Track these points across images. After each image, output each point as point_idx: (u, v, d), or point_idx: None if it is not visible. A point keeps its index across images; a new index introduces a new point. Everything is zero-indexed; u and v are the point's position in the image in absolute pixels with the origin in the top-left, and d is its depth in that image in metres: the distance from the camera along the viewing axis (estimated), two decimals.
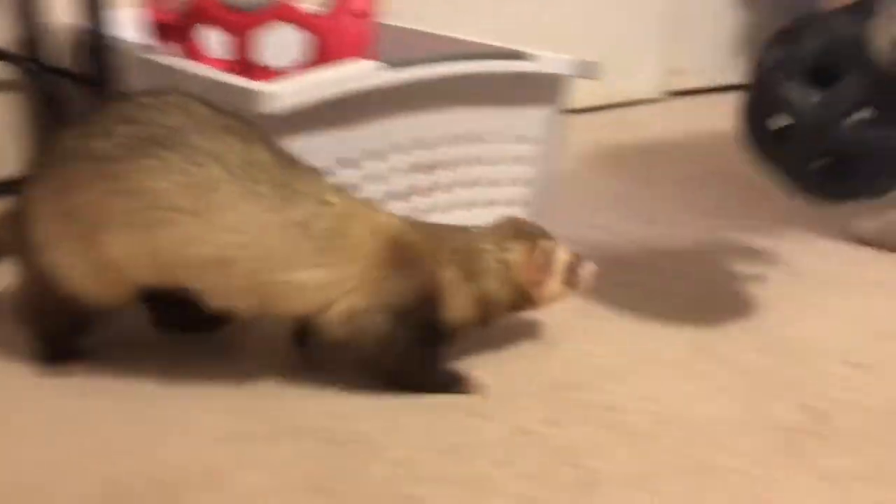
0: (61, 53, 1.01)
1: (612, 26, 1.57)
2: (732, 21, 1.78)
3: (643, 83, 1.68)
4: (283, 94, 0.67)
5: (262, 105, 0.66)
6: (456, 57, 0.76)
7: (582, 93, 1.55)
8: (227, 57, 0.81)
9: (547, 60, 0.83)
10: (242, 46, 0.79)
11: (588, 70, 0.87)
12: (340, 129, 0.73)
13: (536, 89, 0.86)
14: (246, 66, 0.80)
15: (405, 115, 0.77)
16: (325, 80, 0.69)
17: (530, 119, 0.87)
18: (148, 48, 0.82)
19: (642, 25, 1.62)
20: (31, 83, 0.96)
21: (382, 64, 0.71)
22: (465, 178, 0.85)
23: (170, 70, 0.77)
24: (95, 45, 0.78)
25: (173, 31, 0.81)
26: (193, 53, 0.80)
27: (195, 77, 0.74)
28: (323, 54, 0.80)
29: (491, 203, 0.89)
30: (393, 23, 1.03)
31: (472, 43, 0.99)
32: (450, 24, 0.98)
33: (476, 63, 0.78)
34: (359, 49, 0.84)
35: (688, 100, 1.75)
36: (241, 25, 0.77)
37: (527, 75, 0.83)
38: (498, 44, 0.93)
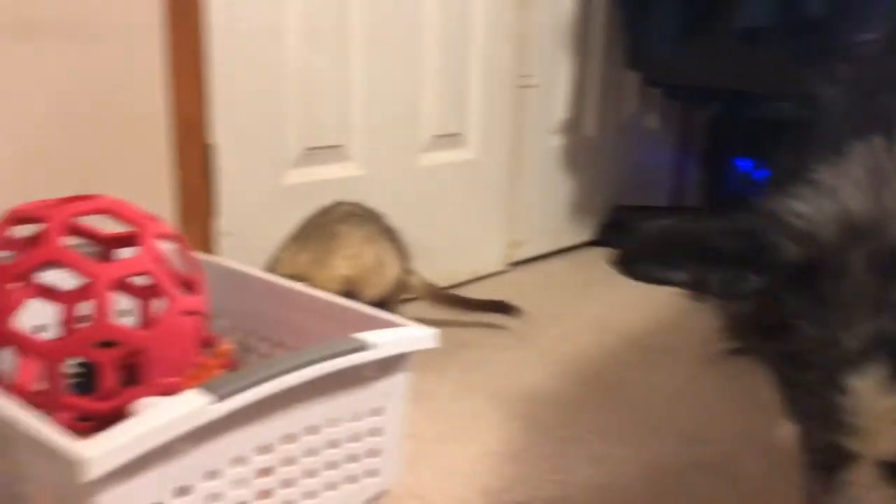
0: None
1: (459, 209, 1.61)
2: (563, 190, 1.87)
3: (488, 258, 1.72)
4: (103, 457, 0.60)
5: (81, 474, 0.59)
6: (288, 368, 0.72)
7: (437, 275, 1.60)
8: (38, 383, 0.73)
9: (386, 344, 0.81)
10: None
11: (426, 341, 0.86)
12: (169, 463, 0.66)
13: (386, 367, 0.84)
14: (56, 397, 0.72)
15: (245, 428, 0.72)
16: (151, 430, 0.63)
17: (383, 391, 0.85)
18: None
19: (485, 205, 1.67)
20: None
21: (209, 395, 0.66)
22: (323, 463, 0.81)
23: None
24: None
25: None
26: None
27: (2, 419, 0.66)
28: (145, 369, 0.74)
29: (351, 479, 0.85)
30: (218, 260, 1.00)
31: (305, 297, 0.97)
32: None
33: (314, 368, 0.74)
34: (182, 363, 0.79)
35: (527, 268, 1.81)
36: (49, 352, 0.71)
37: (374, 361, 0.80)
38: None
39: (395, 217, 1.48)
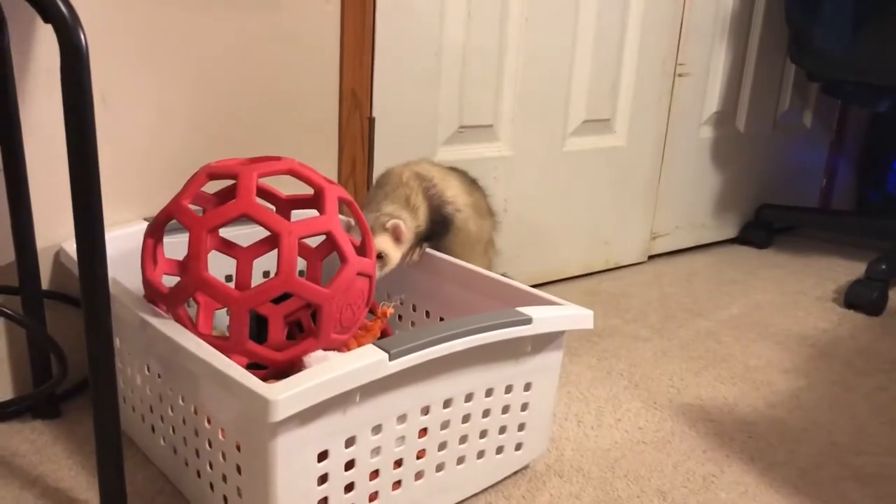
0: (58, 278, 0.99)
1: (602, 196, 1.59)
2: (708, 184, 1.82)
3: (629, 248, 1.70)
4: (289, 400, 0.64)
5: (268, 414, 0.63)
6: (459, 333, 0.74)
7: (570, 263, 1.60)
8: (218, 333, 0.78)
9: (547, 320, 0.82)
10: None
11: (584, 321, 0.87)
12: (342, 413, 0.70)
13: (541, 343, 0.85)
14: (237, 342, 0.77)
15: (411, 387, 0.75)
16: (331, 380, 0.66)
17: (535, 367, 0.85)
18: (145, 307, 0.79)
19: (629, 193, 1.65)
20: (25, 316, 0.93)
21: (385, 352, 0.69)
22: (475, 431, 0.83)
23: (170, 343, 0.74)
24: (89, 275, 0.69)
25: (167, 296, 0.78)
26: (186, 325, 0.78)
27: (197, 359, 0.71)
28: (321, 325, 0.78)
29: (499, 450, 0.87)
30: None
31: (464, 271, 0.99)
32: None
33: (480, 336, 0.76)
34: (356, 318, 0.82)
35: (668, 260, 1.78)
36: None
37: (532, 336, 0.81)
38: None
39: (540, 199, 1.48)
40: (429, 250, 1.04)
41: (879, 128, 2.11)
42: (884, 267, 1.53)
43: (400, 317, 1.10)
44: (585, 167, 1.56)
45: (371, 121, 1.23)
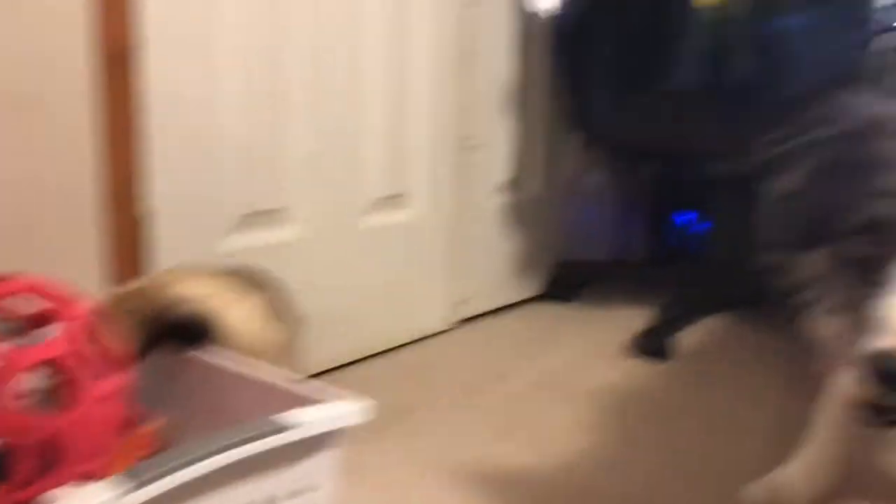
0: None
1: (403, 269, 1.60)
2: (508, 246, 1.88)
3: (434, 317, 1.71)
4: None
5: None
6: (205, 454, 0.70)
7: (374, 340, 1.59)
8: None
9: (311, 424, 0.79)
10: None
11: (354, 417, 0.84)
12: None
13: (311, 446, 0.81)
14: None
15: None
16: None
17: (309, 470, 0.82)
18: None
19: (429, 264, 1.67)
20: None
21: (125, 484, 0.63)
22: None
23: None
24: None
25: None
26: None
27: None
28: (61, 456, 0.71)
29: None
30: None
31: (235, 375, 0.95)
32: None
33: (233, 453, 0.72)
34: (100, 448, 0.76)
35: (474, 325, 1.81)
36: None
37: (297, 441, 0.78)
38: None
39: (338, 278, 1.47)
40: (203, 352, 0.99)
41: (661, 185, 2.27)
42: (667, 315, 1.63)
43: (172, 428, 1.03)
44: (383, 243, 1.56)
45: (142, 217, 1.17)
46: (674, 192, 2.28)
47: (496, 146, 1.80)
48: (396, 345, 1.63)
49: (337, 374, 1.48)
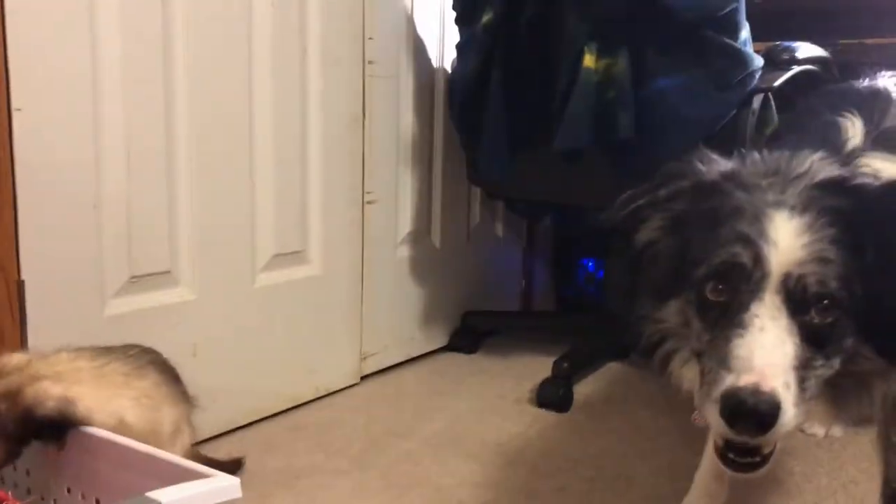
0: None
1: (304, 327, 1.59)
2: (412, 298, 1.89)
3: (339, 373, 1.70)
4: None
5: None
6: None
7: (275, 399, 1.56)
8: None
9: (182, 500, 0.77)
10: None
11: (227, 492, 0.83)
12: None
13: None
14: None
15: None
16: None
17: None
18: None
19: (332, 319, 1.66)
20: None
21: None
22: None
23: None
24: None
25: None
26: None
27: None
28: None
29: None
30: None
31: (114, 447, 0.93)
32: None
33: None
34: None
35: (379, 379, 1.80)
36: None
37: None
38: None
39: (233, 338, 1.45)
40: (85, 428, 0.96)
41: (564, 231, 2.33)
42: (566, 365, 1.66)
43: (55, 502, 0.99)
44: (281, 300, 1.55)
45: (20, 284, 1.13)
46: (576, 240, 2.34)
47: (396, 200, 1.82)
48: (300, 402, 1.61)
49: (236, 434, 1.46)
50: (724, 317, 0.75)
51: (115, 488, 0.92)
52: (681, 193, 0.84)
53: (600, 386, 1.78)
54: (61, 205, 1.17)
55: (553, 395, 1.62)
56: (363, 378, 1.78)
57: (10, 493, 0.89)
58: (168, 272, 1.34)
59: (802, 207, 0.74)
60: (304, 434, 1.48)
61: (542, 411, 1.62)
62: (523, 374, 1.85)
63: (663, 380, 0.93)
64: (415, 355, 1.95)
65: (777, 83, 1.53)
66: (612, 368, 1.90)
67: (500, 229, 2.19)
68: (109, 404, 0.97)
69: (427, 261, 1.93)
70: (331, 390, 1.69)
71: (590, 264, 2.37)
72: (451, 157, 1.94)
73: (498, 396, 1.71)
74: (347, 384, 1.73)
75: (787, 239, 0.73)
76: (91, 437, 0.95)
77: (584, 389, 1.74)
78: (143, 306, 1.31)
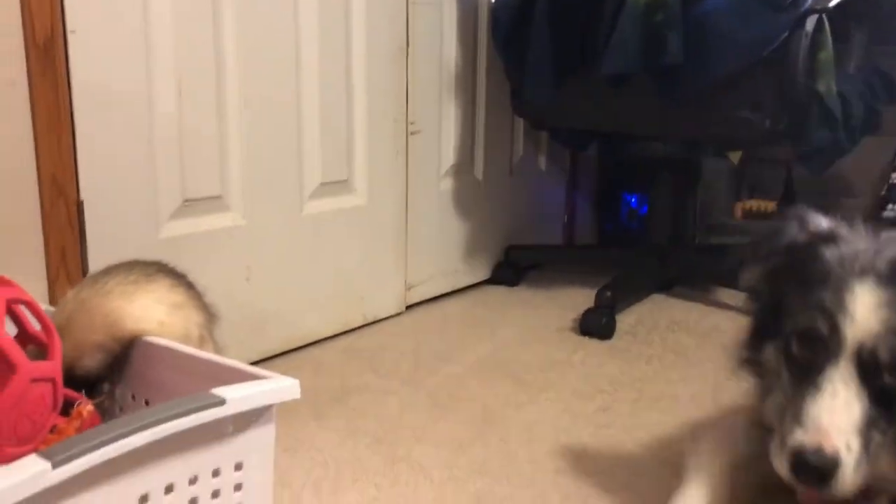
0: None
1: (350, 255, 1.62)
2: (456, 231, 1.91)
3: (384, 302, 1.74)
4: None
5: None
6: (130, 430, 0.71)
7: (324, 324, 1.61)
8: None
9: (245, 398, 0.81)
10: None
11: (288, 392, 0.87)
12: None
13: (246, 421, 0.84)
14: None
15: (92, 490, 0.71)
16: None
17: (244, 445, 0.84)
18: None
19: (377, 249, 1.69)
20: None
21: (46, 461, 0.65)
22: None
23: None
24: None
25: None
26: None
27: None
28: None
29: None
30: None
31: (168, 351, 0.97)
32: None
33: (164, 427, 0.73)
34: (34, 429, 0.77)
35: (423, 309, 1.83)
36: None
37: (232, 416, 0.80)
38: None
39: (283, 264, 1.49)
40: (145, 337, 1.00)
41: (608, 164, 2.32)
42: (609, 294, 1.68)
43: (121, 408, 1.04)
44: (328, 229, 1.58)
45: (79, 205, 1.18)
46: (621, 174, 2.33)
47: (439, 132, 1.82)
48: (348, 328, 1.65)
49: (289, 356, 1.51)
50: (806, 374, 0.81)
51: (176, 393, 0.96)
52: (776, 251, 0.89)
53: (643, 315, 1.79)
54: (117, 128, 1.21)
55: (596, 323, 1.64)
56: (408, 307, 1.82)
57: (82, 392, 0.94)
58: (219, 197, 1.38)
59: (887, 279, 0.78)
60: (354, 357, 1.53)
61: (586, 339, 1.64)
62: (566, 305, 1.87)
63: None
64: (458, 287, 1.97)
65: (832, 4, 1.49)
66: (655, 300, 1.91)
67: (542, 163, 2.19)
68: (142, 310, 0.99)
69: (470, 194, 1.94)
70: (378, 318, 1.73)
71: (632, 199, 2.36)
72: (495, 89, 1.93)
73: (541, 326, 1.73)
74: (393, 313, 1.77)
75: (864, 311, 0.77)
76: (149, 345, 1.00)
77: (627, 318, 1.76)
78: (197, 230, 1.34)
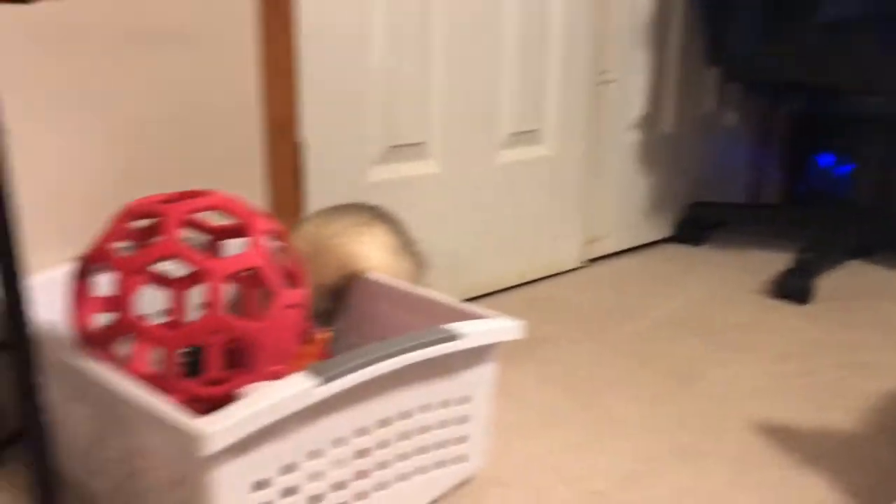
0: None
1: (536, 206, 1.63)
2: (640, 186, 1.88)
3: (566, 255, 1.74)
4: (221, 433, 0.65)
5: (202, 448, 0.64)
6: (385, 355, 0.76)
7: (507, 273, 1.64)
8: (153, 367, 0.79)
9: (475, 335, 0.85)
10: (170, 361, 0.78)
11: (512, 332, 0.90)
12: (277, 441, 0.71)
13: (473, 357, 0.88)
14: (171, 380, 0.78)
15: (344, 410, 0.77)
16: (262, 410, 0.68)
17: (469, 380, 0.88)
18: (75, 350, 0.79)
19: (562, 201, 1.69)
20: None
21: (315, 378, 0.71)
22: (414, 448, 0.85)
23: (102, 384, 0.75)
24: (16, 320, 0.67)
25: (96, 338, 0.79)
26: (118, 365, 0.78)
27: (128, 400, 0.72)
28: (253, 358, 0.80)
29: (440, 465, 0.89)
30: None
31: (393, 290, 1.02)
32: None
33: (408, 356, 0.78)
34: (286, 352, 0.84)
35: (604, 264, 1.82)
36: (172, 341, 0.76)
37: (462, 350, 0.84)
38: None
39: (474, 212, 1.52)
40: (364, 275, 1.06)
41: (801, 122, 2.20)
42: (808, 256, 1.60)
43: (340, 340, 1.11)
44: (517, 178, 1.59)
45: (299, 146, 1.25)
46: (816, 132, 2.20)
47: (631, 81, 1.79)
48: (530, 279, 1.68)
49: (473, 304, 1.54)
50: None
51: (396, 329, 1.01)
52: None
53: (843, 281, 1.70)
54: (336, 72, 1.26)
55: (793, 286, 1.57)
56: (590, 261, 1.81)
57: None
58: (422, 143, 1.42)
59: None
60: (537, 307, 1.55)
61: (779, 303, 1.58)
62: (755, 266, 1.80)
63: None
64: (638, 244, 1.94)
65: None
66: (856, 265, 1.81)
67: (732, 117, 2.10)
68: (365, 251, 1.05)
69: (656, 147, 1.89)
70: (558, 271, 1.74)
71: (828, 159, 2.22)
72: (688, 38, 1.86)
73: (730, 286, 1.68)
74: (573, 266, 1.77)
75: None
76: (370, 282, 1.05)
77: (825, 283, 1.67)
78: (399, 175, 1.39)
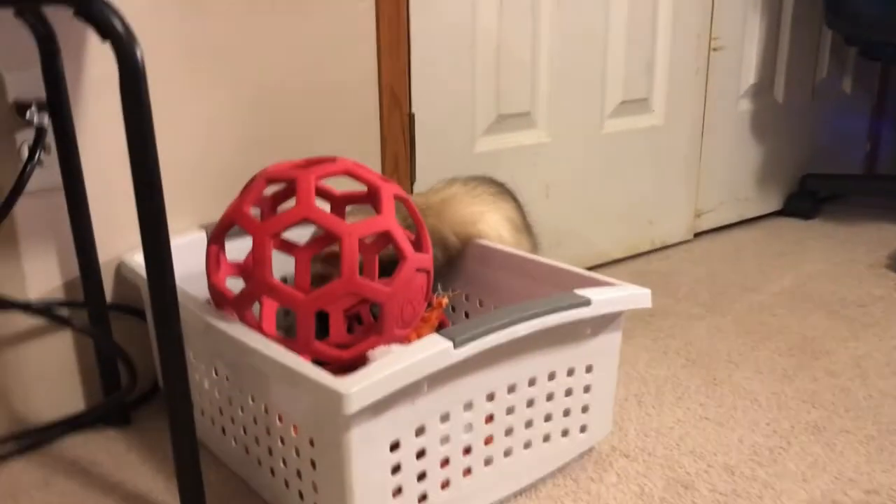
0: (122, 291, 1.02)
1: (643, 176, 1.60)
2: (750, 157, 1.81)
3: (673, 228, 1.70)
4: (361, 393, 0.66)
5: (342, 407, 0.65)
6: (521, 318, 0.75)
7: (620, 244, 1.61)
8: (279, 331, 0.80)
9: (605, 301, 0.83)
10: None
11: (641, 300, 0.87)
12: (411, 402, 0.71)
13: (600, 325, 0.86)
14: (301, 342, 0.79)
15: (475, 374, 0.76)
16: (400, 371, 0.68)
17: (595, 349, 0.86)
18: (211, 312, 0.81)
19: (670, 172, 1.65)
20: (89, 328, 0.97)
21: (450, 341, 0.70)
22: (540, 415, 0.84)
23: (239, 345, 0.76)
24: (158, 283, 0.68)
25: (232, 301, 0.80)
26: (253, 327, 0.80)
27: (267, 359, 0.73)
28: (383, 321, 0.80)
29: (564, 433, 0.88)
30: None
31: (514, 258, 1.01)
32: None
33: (541, 320, 0.77)
34: (413, 314, 0.84)
35: (713, 237, 1.77)
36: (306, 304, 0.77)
37: (591, 317, 0.82)
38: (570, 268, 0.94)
39: (581, 183, 1.49)
40: (479, 240, 1.06)
41: None
42: None
43: (454, 308, 1.11)
44: (625, 148, 1.56)
45: (411, 117, 1.24)
46: None
47: (742, 47, 1.72)
48: (637, 252, 1.64)
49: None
50: None
51: (513, 295, 1.00)
52: None
53: None
54: (445, 44, 1.25)
55: None
56: (697, 235, 1.76)
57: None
58: (528, 113, 1.40)
59: None
60: (646, 280, 1.51)
61: None
62: (874, 240, 1.72)
63: None
64: (748, 217, 1.88)
65: None
66: None
67: (847, 85, 2.00)
68: (491, 220, 1.05)
69: (768, 116, 1.82)
70: (666, 244, 1.70)
71: None
72: (802, 3, 1.78)
73: (849, 260, 1.60)
74: (682, 239, 1.72)
75: None
76: (485, 248, 1.04)
77: None
78: (506, 145, 1.38)
